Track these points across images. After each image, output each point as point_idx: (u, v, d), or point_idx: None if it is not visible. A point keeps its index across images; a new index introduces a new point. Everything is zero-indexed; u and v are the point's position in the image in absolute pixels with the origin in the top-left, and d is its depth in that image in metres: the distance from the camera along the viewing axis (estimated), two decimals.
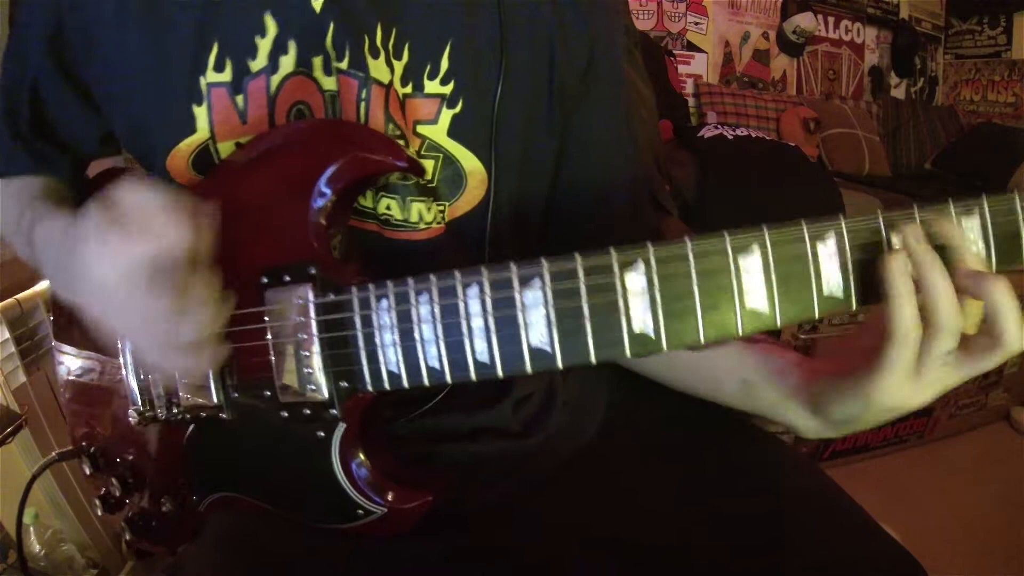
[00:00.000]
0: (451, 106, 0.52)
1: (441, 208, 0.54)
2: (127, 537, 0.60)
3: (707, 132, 2.09)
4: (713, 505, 0.58)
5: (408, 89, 0.52)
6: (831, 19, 3.10)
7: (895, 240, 0.40)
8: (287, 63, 0.50)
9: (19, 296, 1.09)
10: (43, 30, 0.54)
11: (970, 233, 0.41)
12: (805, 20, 2.88)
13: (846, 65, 3.17)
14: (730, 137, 2.06)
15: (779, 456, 0.64)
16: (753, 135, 2.13)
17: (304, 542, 0.54)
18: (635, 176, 0.62)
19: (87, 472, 0.62)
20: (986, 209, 0.40)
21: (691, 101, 2.71)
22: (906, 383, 0.41)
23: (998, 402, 2.21)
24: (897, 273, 0.39)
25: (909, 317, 0.39)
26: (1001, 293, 0.38)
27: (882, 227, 0.40)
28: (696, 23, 2.77)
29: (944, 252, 0.39)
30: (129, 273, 0.40)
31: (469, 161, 0.53)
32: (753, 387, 0.53)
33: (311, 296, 0.45)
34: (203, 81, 0.50)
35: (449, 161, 0.53)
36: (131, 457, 0.59)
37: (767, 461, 0.63)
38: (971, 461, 2.02)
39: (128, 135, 0.56)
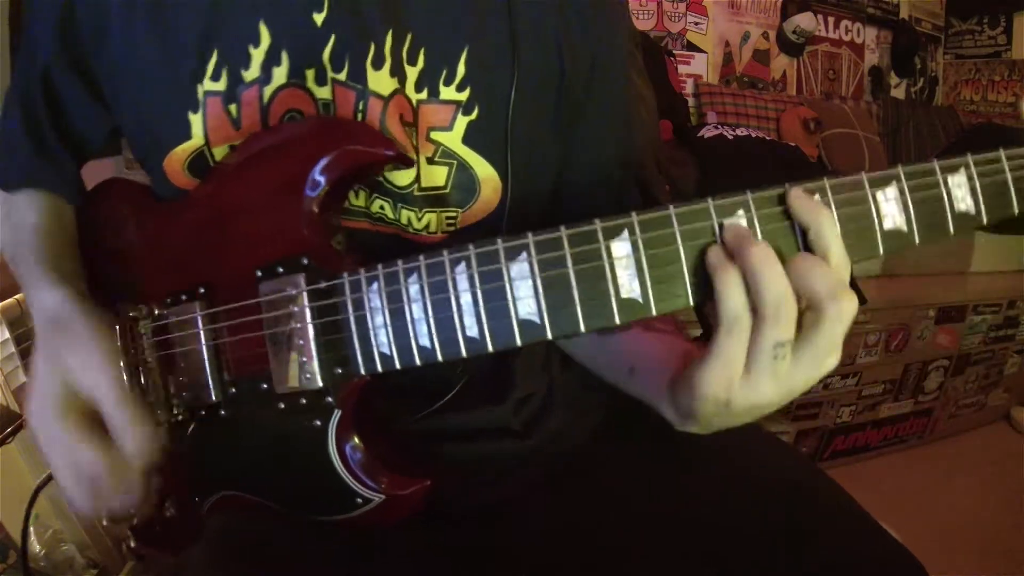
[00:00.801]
0: (467, 113, 0.52)
1: (452, 215, 0.54)
2: (132, 544, 0.60)
3: (707, 132, 2.09)
4: (712, 505, 0.58)
5: (423, 95, 0.52)
6: (831, 19, 3.09)
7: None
8: (280, 75, 0.50)
9: (19, 296, 1.09)
10: (54, 20, 0.54)
11: (957, 191, 0.40)
12: (805, 20, 2.88)
13: (846, 65, 3.16)
14: (730, 137, 2.06)
15: (779, 456, 0.64)
16: (753, 135, 2.13)
17: (306, 542, 0.54)
18: (625, 175, 0.62)
19: None
20: (971, 165, 0.40)
21: (691, 101, 2.71)
22: (733, 378, 0.39)
23: (998, 402, 2.21)
24: (715, 261, 0.38)
25: (734, 305, 0.37)
26: (817, 277, 0.37)
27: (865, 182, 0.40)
28: (696, 23, 2.76)
29: (807, 235, 0.39)
30: (63, 457, 0.48)
31: (483, 168, 0.53)
32: (636, 375, 0.52)
33: (303, 285, 0.45)
34: (200, 89, 0.50)
35: (463, 168, 0.53)
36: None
37: (767, 461, 0.63)
38: (971, 461, 2.03)
39: (132, 131, 0.56)
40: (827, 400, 1.87)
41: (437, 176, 0.53)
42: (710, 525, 0.57)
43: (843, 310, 0.37)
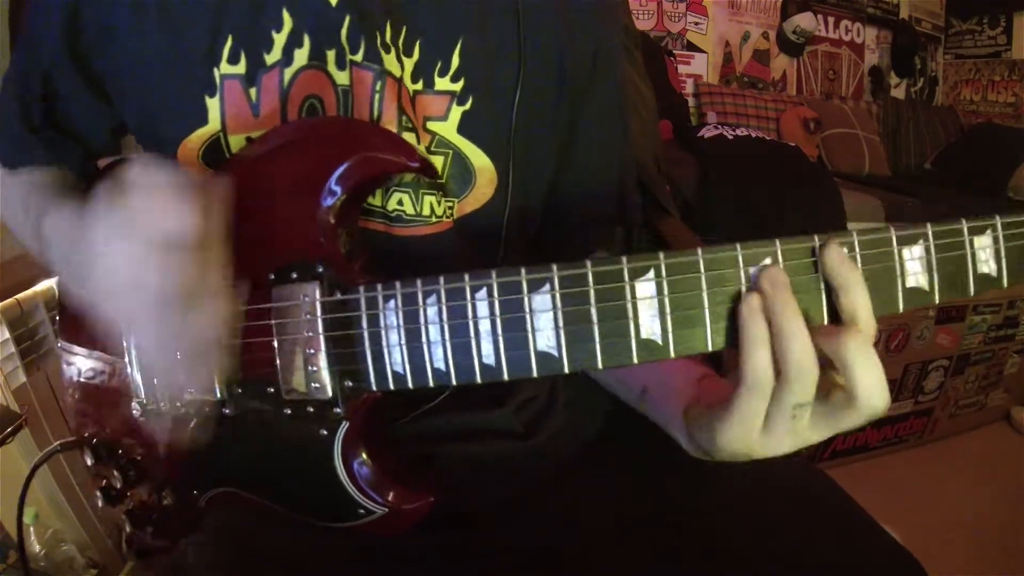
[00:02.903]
0: (461, 103, 0.53)
1: (450, 204, 0.54)
2: (127, 530, 0.60)
3: (707, 132, 2.09)
4: (713, 506, 0.58)
5: (419, 86, 0.52)
6: (831, 19, 3.10)
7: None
8: (301, 56, 0.51)
9: (19, 296, 1.09)
10: (58, 21, 0.54)
11: (981, 253, 0.39)
12: (805, 20, 2.88)
13: (846, 65, 3.17)
14: (730, 137, 2.06)
15: (778, 456, 0.64)
16: (753, 135, 2.13)
17: (304, 539, 0.54)
18: (624, 171, 0.62)
19: (88, 463, 0.61)
20: (999, 227, 0.39)
21: (691, 101, 2.71)
22: (752, 433, 0.39)
23: (998, 402, 2.21)
24: (747, 315, 0.37)
25: (759, 365, 0.37)
26: (850, 349, 0.36)
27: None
28: (696, 23, 2.77)
29: (837, 295, 0.38)
30: (139, 254, 0.38)
31: (478, 158, 0.54)
32: (649, 398, 0.53)
33: (318, 294, 0.45)
34: (217, 73, 0.50)
35: (458, 158, 0.54)
36: (133, 449, 0.59)
37: (766, 461, 0.63)
38: (971, 461, 2.03)
39: (140, 127, 0.56)
40: None
41: (435, 165, 0.53)
42: (710, 526, 0.57)
43: (879, 410, 0.36)
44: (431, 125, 0.53)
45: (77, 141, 0.60)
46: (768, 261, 0.39)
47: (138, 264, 0.39)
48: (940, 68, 3.50)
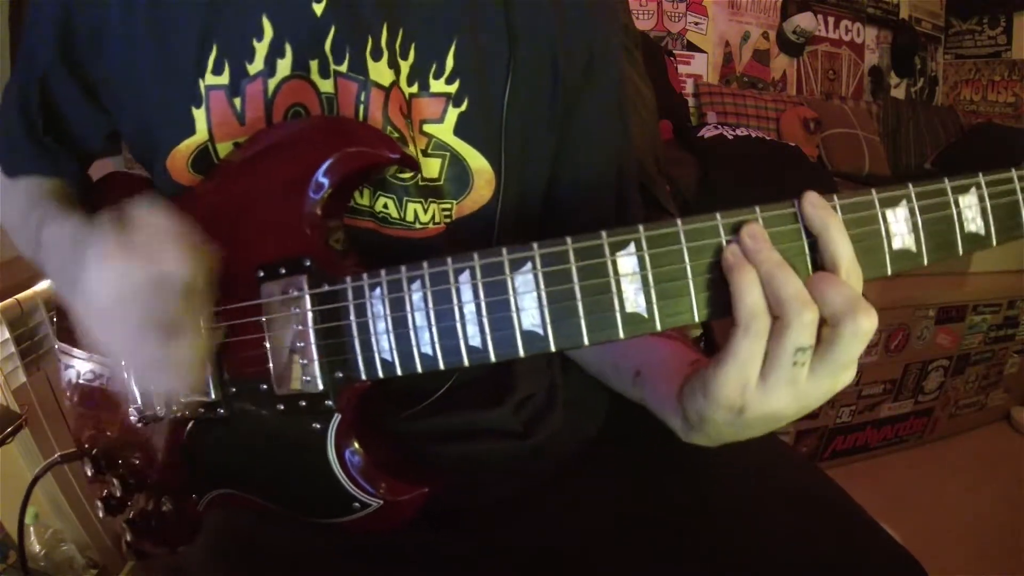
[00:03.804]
0: (457, 104, 0.53)
1: (447, 207, 0.54)
2: (128, 539, 0.60)
3: (707, 132, 2.09)
4: (712, 506, 0.58)
5: (414, 89, 0.52)
6: (831, 19, 3.09)
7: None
8: (284, 67, 0.51)
9: (19, 296, 1.09)
10: (53, 29, 0.54)
11: (968, 211, 0.40)
12: (805, 20, 2.88)
13: (846, 65, 3.16)
14: (730, 137, 2.06)
15: (778, 456, 0.64)
16: (753, 135, 2.13)
17: (303, 540, 0.54)
18: (623, 170, 0.62)
19: (89, 474, 0.62)
20: (983, 185, 0.40)
21: (691, 101, 2.71)
22: (749, 382, 0.38)
23: (998, 402, 2.21)
24: (733, 262, 0.37)
25: (751, 303, 0.37)
26: (823, 282, 0.36)
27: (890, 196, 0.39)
28: (696, 23, 2.76)
29: (817, 245, 0.38)
30: (129, 286, 0.41)
31: (476, 160, 0.54)
32: (643, 380, 0.52)
33: (306, 287, 0.45)
34: (202, 84, 0.51)
35: (456, 160, 0.53)
36: (132, 458, 0.59)
37: (766, 461, 0.63)
38: (971, 461, 2.03)
39: (132, 135, 0.56)
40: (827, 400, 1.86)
41: (431, 168, 0.53)
42: (710, 526, 0.57)
43: (860, 327, 0.36)
44: (427, 128, 0.53)
45: (74, 146, 0.61)
46: (740, 231, 0.39)
47: (127, 294, 0.42)
48: (940, 68, 3.50)
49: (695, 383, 0.42)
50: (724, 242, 0.39)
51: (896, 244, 0.39)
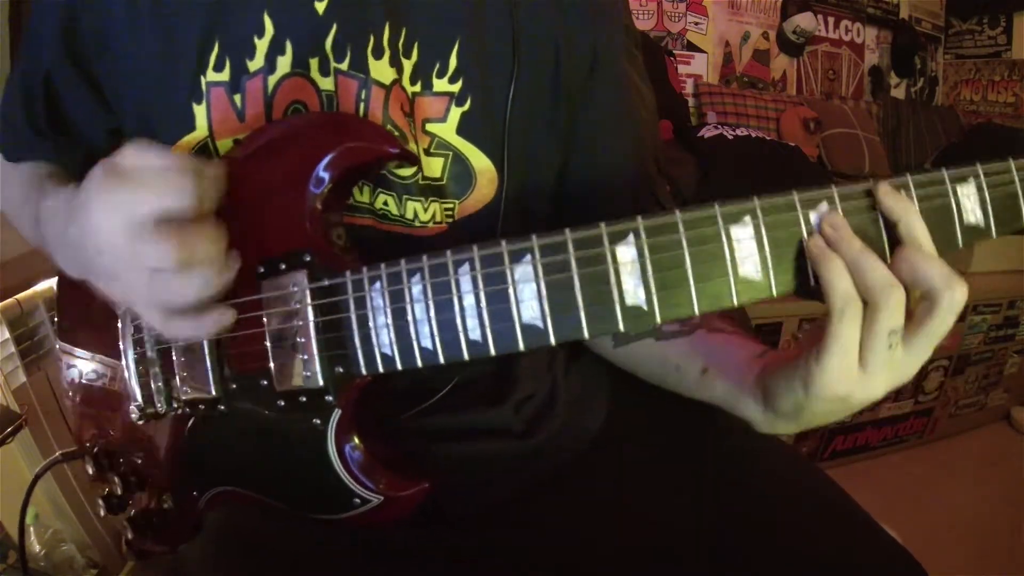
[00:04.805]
0: (460, 104, 0.53)
1: (450, 206, 0.54)
2: (129, 537, 0.60)
3: (707, 132, 2.09)
4: (713, 506, 0.58)
5: (417, 87, 0.52)
6: (831, 19, 3.09)
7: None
8: (284, 64, 0.51)
9: (19, 296, 1.09)
10: (57, 25, 0.54)
11: (966, 200, 0.40)
12: (805, 20, 2.88)
13: (846, 65, 3.16)
14: (730, 137, 2.06)
15: (778, 456, 0.64)
16: (753, 135, 2.13)
17: (305, 537, 0.54)
18: (638, 174, 0.62)
19: (90, 473, 0.62)
20: (981, 175, 0.40)
21: (691, 101, 2.71)
22: (851, 369, 0.39)
23: (998, 402, 2.21)
24: (818, 253, 0.38)
25: (843, 289, 0.38)
26: (919, 260, 0.37)
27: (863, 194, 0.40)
28: (696, 23, 2.76)
29: (895, 228, 0.39)
30: (133, 225, 0.39)
31: (478, 159, 0.54)
32: (711, 377, 0.52)
33: (306, 282, 0.45)
34: (203, 80, 0.51)
35: (458, 159, 0.53)
36: (134, 456, 0.59)
37: (767, 461, 0.63)
38: (971, 461, 2.03)
39: (135, 130, 0.56)
40: None
41: (434, 167, 0.53)
42: (710, 526, 0.57)
43: (957, 298, 0.37)
44: (430, 127, 0.53)
45: (78, 142, 0.61)
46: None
47: (131, 237, 0.39)
48: (940, 68, 3.49)
49: (792, 378, 0.42)
50: (723, 235, 0.39)
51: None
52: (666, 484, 0.61)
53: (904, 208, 0.39)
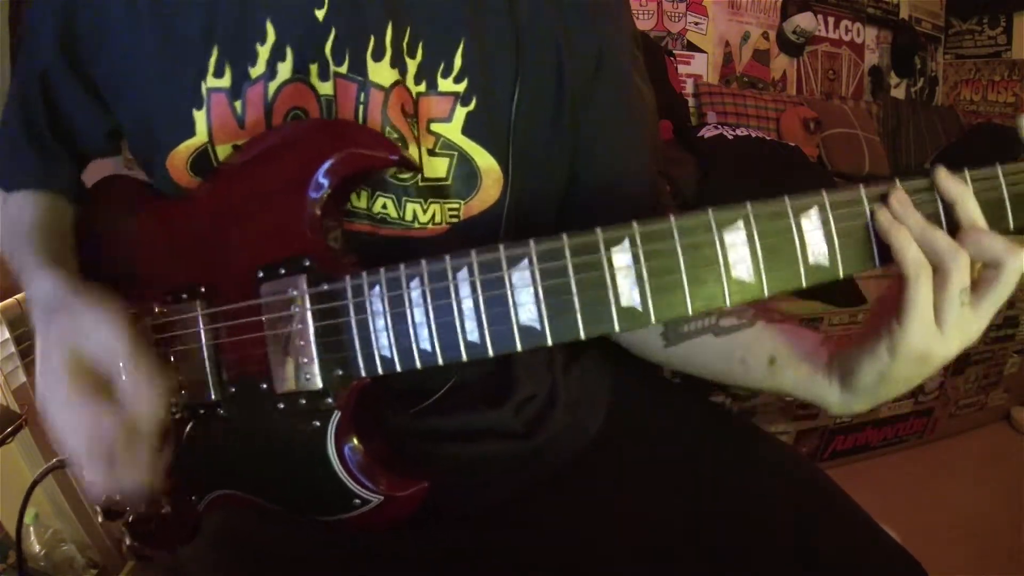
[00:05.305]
0: (465, 104, 0.53)
1: (455, 207, 0.54)
2: (128, 542, 0.60)
3: (707, 132, 2.09)
4: (713, 506, 0.58)
5: (422, 87, 0.52)
6: (831, 19, 3.09)
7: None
8: (284, 70, 0.51)
9: (19, 296, 1.09)
10: (54, 25, 0.54)
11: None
12: (805, 20, 2.88)
13: (846, 65, 3.16)
14: (730, 137, 2.06)
15: (779, 456, 0.64)
16: (753, 135, 2.13)
17: (304, 539, 0.54)
18: (641, 175, 0.62)
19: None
20: (1000, 175, 0.42)
21: (691, 101, 2.70)
22: (931, 327, 0.43)
23: (998, 402, 2.21)
24: (887, 224, 0.42)
25: (914, 255, 0.41)
26: (982, 235, 0.41)
27: (864, 197, 0.42)
28: (696, 23, 2.76)
29: (952, 208, 0.42)
30: (76, 427, 0.45)
31: (484, 159, 0.54)
32: (781, 366, 0.54)
33: (305, 287, 0.46)
34: (204, 86, 0.51)
35: (464, 159, 0.53)
36: None
37: (767, 461, 0.63)
38: (971, 461, 2.02)
39: (133, 132, 0.56)
40: None
41: (438, 167, 0.53)
42: (710, 526, 0.57)
43: (1020, 263, 0.41)
44: (435, 127, 0.53)
45: (75, 144, 0.61)
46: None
47: (72, 430, 0.45)
48: (940, 68, 3.49)
49: (874, 348, 0.45)
50: (716, 241, 0.40)
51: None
52: (666, 484, 0.61)
53: (962, 192, 0.42)
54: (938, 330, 0.43)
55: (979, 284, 0.43)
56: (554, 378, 0.65)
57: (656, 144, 0.65)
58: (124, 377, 0.45)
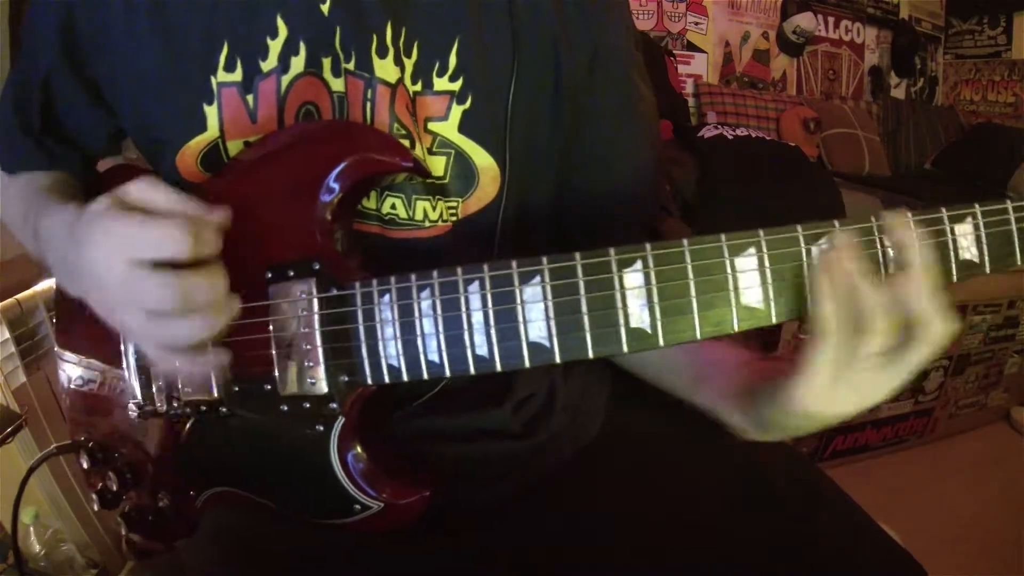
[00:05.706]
0: (460, 102, 0.53)
1: (453, 205, 0.54)
2: (124, 532, 0.60)
3: (707, 132, 2.09)
4: (712, 506, 0.58)
5: (418, 87, 0.52)
6: (831, 19, 3.10)
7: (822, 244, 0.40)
8: (297, 64, 0.51)
9: (19, 296, 1.09)
10: (55, 28, 0.54)
11: (963, 239, 0.41)
12: (805, 20, 2.88)
13: (846, 65, 3.17)
14: (730, 137, 2.06)
15: (778, 456, 0.64)
16: (753, 135, 2.13)
17: (302, 539, 0.54)
18: (640, 175, 0.62)
19: (84, 466, 0.61)
20: (979, 215, 0.40)
21: (691, 101, 2.71)
22: (822, 391, 0.39)
23: (998, 402, 2.21)
24: (814, 274, 0.39)
25: (828, 315, 0.38)
26: (910, 289, 0.37)
27: (875, 228, 0.40)
28: (696, 23, 2.77)
29: (900, 254, 0.39)
30: (132, 266, 0.39)
31: (481, 157, 0.54)
32: (700, 383, 0.53)
33: (315, 291, 0.45)
34: (214, 81, 0.50)
35: (461, 157, 0.53)
36: (129, 452, 0.59)
37: (767, 461, 0.63)
38: (971, 461, 2.02)
39: (137, 132, 0.56)
40: None
41: (436, 166, 0.53)
42: (710, 526, 0.57)
43: (938, 332, 0.37)
44: (432, 126, 0.53)
45: (76, 146, 0.61)
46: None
47: (133, 280, 0.39)
48: (940, 68, 3.50)
49: (775, 393, 0.42)
50: (728, 266, 0.40)
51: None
52: (665, 485, 0.61)
53: (909, 237, 0.39)
54: (831, 393, 0.39)
55: (896, 344, 0.38)
56: (553, 379, 0.65)
57: (657, 144, 0.65)
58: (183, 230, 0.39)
